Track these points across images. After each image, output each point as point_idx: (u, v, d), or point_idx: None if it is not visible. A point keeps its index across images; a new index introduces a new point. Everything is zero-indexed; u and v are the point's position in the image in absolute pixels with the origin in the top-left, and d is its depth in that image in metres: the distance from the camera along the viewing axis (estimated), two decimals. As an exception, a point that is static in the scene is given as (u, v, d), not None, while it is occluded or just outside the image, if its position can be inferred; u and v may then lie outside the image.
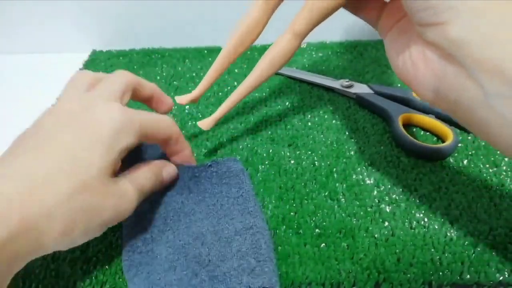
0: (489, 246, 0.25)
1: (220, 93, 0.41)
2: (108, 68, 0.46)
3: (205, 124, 0.30)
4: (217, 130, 0.36)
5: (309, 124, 0.36)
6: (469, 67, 0.18)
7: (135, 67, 0.47)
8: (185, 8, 0.48)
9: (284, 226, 0.27)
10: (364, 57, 0.46)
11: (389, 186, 0.29)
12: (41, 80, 0.47)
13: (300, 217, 0.27)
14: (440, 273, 0.23)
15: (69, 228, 0.19)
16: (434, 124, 0.34)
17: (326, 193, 0.29)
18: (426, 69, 0.20)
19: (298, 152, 0.33)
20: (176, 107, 0.38)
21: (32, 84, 0.47)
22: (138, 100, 0.28)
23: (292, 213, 0.28)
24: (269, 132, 0.35)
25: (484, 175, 0.30)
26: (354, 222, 0.27)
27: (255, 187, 0.30)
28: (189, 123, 0.37)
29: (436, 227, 0.26)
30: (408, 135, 0.32)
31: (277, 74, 0.43)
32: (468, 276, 0.23)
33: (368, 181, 0.30)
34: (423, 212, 0.27)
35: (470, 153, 0.32)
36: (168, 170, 0.26)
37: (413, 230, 0.26)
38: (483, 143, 0.32)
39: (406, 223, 0.27)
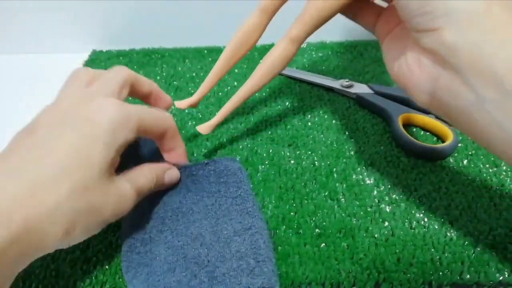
0: (489, 246, 0.25)
1: (220, 93, 0.41)
2: (108, 68, 0.46)
3: (203, 128, 0.30)
4: (217, 130, 0.36)
5: (309, 124, 0.36)
6: (463, 73, 0.18)
7: (135, 67, 0.47)
8: (185, 8, 0.48)
9: (284, 226, 0.27)
10: (364, 57, 0.46)
11: (389, 186, 0.29)
12: (41, 80, 0.47)
13: (300, 217, 0.27)
14: (440, 273, 0.23)
15: (71, 227, 0.19)
16: (434, 124, 0.34)
17: (326, 193, 0.29)
18: (421, 73, 0.21)
19: (298, 152, 0.33)
20: (175, 106, 0.38)
21: (32, 84, 0.47)
22: (136, 96, 0.27)
23: (292, 213, 0.28)
24: (269, 132, 0.35)
25: (484, 175, 0.30)
26: (354, 222, 0.27)
27: (255, 187, 0.30)
28: (189, 123, 0.37)
29: (436, 227, 0.26)
30: (408, 135, 0.32)
31: (277, 74, 0.43)
32: (468, 276, 0.23)
33: (368, 181, 0.30)
34: (423, 212, 0.27)
35: (470, 153, 0.32)
36: (170, 173, 0.26)
37: (413, 230, 0.26)
38: (483, 143, 0.32)
39: (406, 223, 0.26)
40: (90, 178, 0.20)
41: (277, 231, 0.26)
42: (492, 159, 0.31)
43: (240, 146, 0.34)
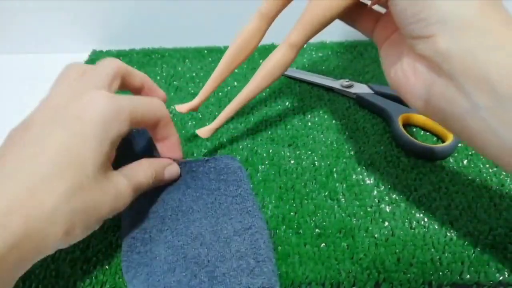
0: (489, 246, 0.25)
1: (220, 93, 0.41)
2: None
3: (203, 132, 0.31)
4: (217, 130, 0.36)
5: (309, 124, 0.36)
6: (457, 80, 0.18)
7: (135, 67, 0.46)
8: (185, 8, 0.48)
9: (284, 226, 0.27)
10: (364, 57, 0.46)
11: (389, 186, 0.29)
12: (41, 80, 0.47)
13: (300, 217, 0.27)
14: (440, 273, 0.23)
15: (70, 228, 0.19)
16: (434, 124, 0.34)
17: (326, 193, 0.29)
18: (416, 80, 0.21)
19: (298, 152, 0.33)
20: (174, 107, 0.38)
21: (32, 84, 0.46)
22: (128, 89, 0.27)
23: (292, 213, 0.28)
24: (269, 132, 0.35)
25: (484, 175, 0.30)
26: (354, 222, 0.27)
27: (255, 187, 0.30)
28: (189, 123, 0.37)
29: (436, 227, 0.26)
30: (408, 135, 0.32)
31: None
32: (468, 276, 0.23)
33: (368, 181, 0.30)
34: (423, 212, 0.27)
35: (470, 153, 0.32)
36: (170, 169, 0.26)
37: (413, 230, 0.26)
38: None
39: (406, 223, 0.26)
40: (85, 176, 0.19)
41: (277, 231, 0.26)
42: (492, 159, 0.31)
43: (240, 146, 0.34)
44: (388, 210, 0.28)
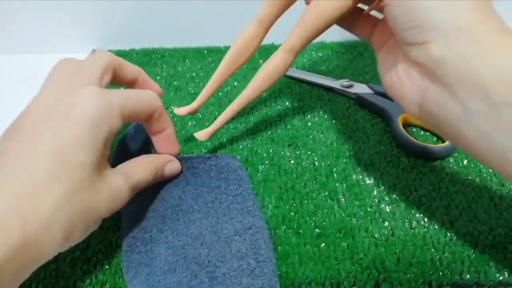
0: (489, 246, 0.25)
1: (220, 93, 0.41)
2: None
3: (201, 135, 0.31)
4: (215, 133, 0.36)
5: (309, 124, 0.36)
6: (451, 86, 0.18)
7: (135, 67, 0.47)
8: (185, 8, 0.48)
9: (284, 226, 0.27)
10: (364, 57, 0.46)
11: (389, 186, 0.29)
12: (41, 80, 0.47)
13: (300, 217, 0.27)
14: (440, 273, 0.23)
15: (69, 232, 0.19)
16: (434, 124, 0.34)
17: (326, 193, 0.29)
18: (411, 86, 0.21)
19: (298, 152, 0.33)
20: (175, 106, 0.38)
21: (32, 84, 0.46)
22: (121, 83, 0.26)
23: (292, 213, 0.28)
24: (269, 132, 0.35)
25: (484, 175, 0.30)
26: (354, 222, 0.27)
27: (255, 187, 0.30)
28: (189, 123, 0.37)
29: (436, 227, 0.26)
30: (408, 135, 0.32)
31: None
32: (468, 276, 0.23)
33: (368, 181, 0.30)
34: (423, 212, 0.27)
35: (470, 153, 0.32)
36: (170, 166, 0.26)
37: (413, 230, 0.26)
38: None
39: (406, 223, 0.26)
40: (80, 178, 0.19)
41: (277, 231, 0.26)
42: (492, 159, 0.31)
43: (240, 146, 0.34)
44: (388, 210, 0.28)
